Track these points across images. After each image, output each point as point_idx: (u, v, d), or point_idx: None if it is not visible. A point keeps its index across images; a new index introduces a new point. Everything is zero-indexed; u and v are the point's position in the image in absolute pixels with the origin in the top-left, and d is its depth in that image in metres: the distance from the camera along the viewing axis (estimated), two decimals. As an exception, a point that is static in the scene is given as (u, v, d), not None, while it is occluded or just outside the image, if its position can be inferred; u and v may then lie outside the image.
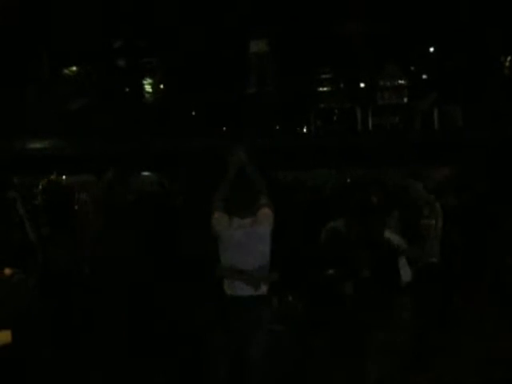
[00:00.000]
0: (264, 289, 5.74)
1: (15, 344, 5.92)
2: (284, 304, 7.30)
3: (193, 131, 12.25)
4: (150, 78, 12.95)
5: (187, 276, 7.37)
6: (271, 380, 5.78)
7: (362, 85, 12.12)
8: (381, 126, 11.47)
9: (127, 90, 13.23)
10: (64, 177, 13.00)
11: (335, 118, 11.54)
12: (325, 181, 11.14)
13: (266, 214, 5.76)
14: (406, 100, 11.56)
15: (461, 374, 6.65)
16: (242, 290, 5.70)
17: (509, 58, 12.65)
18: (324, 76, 11.97)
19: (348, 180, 11.05)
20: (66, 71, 13.35)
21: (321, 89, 11.90)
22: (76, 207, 8.66)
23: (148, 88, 13.02)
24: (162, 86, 13.09)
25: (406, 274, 6.74)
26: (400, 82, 11.60)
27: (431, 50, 12.48)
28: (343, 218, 7.59)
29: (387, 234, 6.74)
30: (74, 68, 13.44)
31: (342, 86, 11.82)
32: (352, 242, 7.48)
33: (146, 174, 14.02)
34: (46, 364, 6.14)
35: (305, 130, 11.97)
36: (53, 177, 9.61)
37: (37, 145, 12.53)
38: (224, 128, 12.50)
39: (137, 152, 12.17)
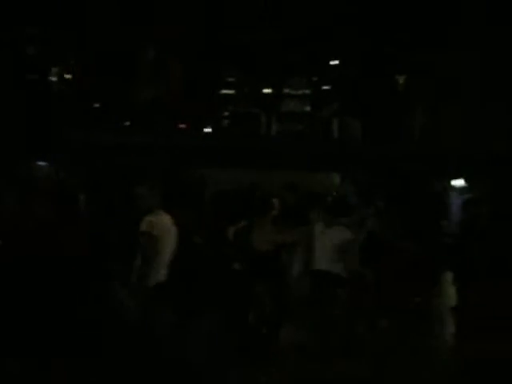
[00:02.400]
0: None
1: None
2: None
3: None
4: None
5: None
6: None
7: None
8: (284, 132, 11.92)
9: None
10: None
11: (240, 121, 11.88)
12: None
13: None
14: (308, 109, 12.08)
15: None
16: None
17: (403, 77, 13.40)
18: (231, 79, 12.32)
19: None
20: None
21: (228, 92, 12.25)
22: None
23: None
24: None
25: None
26: (304, 91, 12.09)
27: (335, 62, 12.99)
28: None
29: None
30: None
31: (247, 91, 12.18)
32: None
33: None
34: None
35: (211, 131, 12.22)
36: None
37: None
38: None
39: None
